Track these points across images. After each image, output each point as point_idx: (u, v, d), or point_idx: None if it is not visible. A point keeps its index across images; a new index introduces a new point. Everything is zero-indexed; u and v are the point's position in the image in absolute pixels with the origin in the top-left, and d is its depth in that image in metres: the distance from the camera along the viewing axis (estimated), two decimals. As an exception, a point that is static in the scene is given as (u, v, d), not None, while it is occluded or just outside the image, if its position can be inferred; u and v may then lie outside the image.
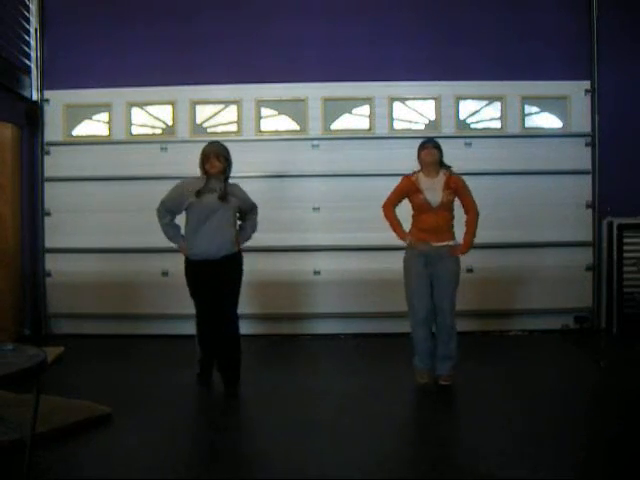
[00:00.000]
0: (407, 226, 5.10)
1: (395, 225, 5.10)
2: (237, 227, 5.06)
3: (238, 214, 5.07)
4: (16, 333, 6.70)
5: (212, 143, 5.08)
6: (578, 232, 6.87)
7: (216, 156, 4.90)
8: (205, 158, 4.92)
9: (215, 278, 4.87)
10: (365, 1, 6.98)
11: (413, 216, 5.08)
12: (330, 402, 4.68)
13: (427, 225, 4.94)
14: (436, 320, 5.01)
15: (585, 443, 3.92)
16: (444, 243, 4.95)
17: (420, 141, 5.14)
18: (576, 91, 6.89)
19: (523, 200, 6.83)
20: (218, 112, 7.00)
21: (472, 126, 6.98)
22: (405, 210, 5.11)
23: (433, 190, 4.95)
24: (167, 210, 5.01)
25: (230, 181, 5.01)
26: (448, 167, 5.06)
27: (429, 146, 5.01)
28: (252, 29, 6.91)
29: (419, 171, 5.06)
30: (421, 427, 4.38)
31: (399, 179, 5.13)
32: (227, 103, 6.98)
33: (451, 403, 4.75)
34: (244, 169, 6.57)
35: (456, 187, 4.98)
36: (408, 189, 5.02)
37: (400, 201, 5.12)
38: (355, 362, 5.91)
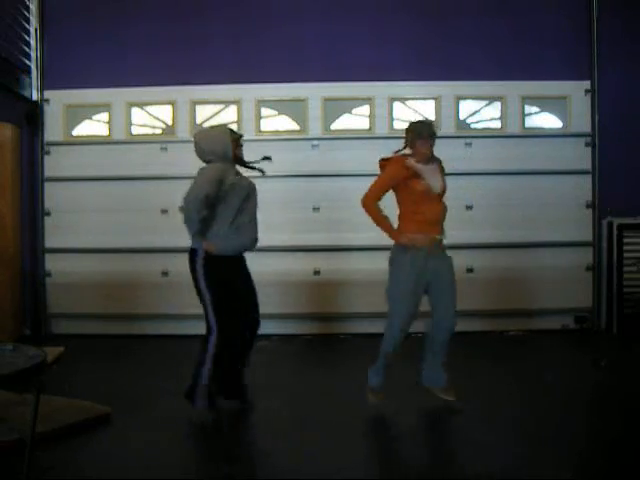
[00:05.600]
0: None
1: (384, 222, 4.33)
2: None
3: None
4: (16, 333, 6.70)
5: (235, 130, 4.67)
6: (578, 232, 6.86)
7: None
8: (235, 144, 4.53)
9: (249, 275, 4.56)
10: (365, 1, 6.99)
11: (408, 208, 4.33)
12: (332, 401, 4.68)
13: (432, 215, 4.28)
14: (437, 326, 4.35)
15: (585, 443, 3.92)
16: (443, 235, 4.39)
17: (414, 121, 4.47)
18: (576, 91, 6.89)
19: (523, 200, 6.82)
20: (218, 112, 7.00)
21: (472, 126, 6.98)
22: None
23: (433, 175, 4.31)
24: (205, 200, 4.21)
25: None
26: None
27: (429, 139, 4.29)
28: (252, 29, 6.91)
29: (407, 155, 4.36)
30: (420, 427, 4.38)
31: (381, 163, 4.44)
32: (227, 103, 6.98)
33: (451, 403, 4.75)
34: (244, 169, 6.58)
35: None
36: (402, 176, 4.27)
37: (385, 193, 4.37)
38: (355, 362, 5.90)
